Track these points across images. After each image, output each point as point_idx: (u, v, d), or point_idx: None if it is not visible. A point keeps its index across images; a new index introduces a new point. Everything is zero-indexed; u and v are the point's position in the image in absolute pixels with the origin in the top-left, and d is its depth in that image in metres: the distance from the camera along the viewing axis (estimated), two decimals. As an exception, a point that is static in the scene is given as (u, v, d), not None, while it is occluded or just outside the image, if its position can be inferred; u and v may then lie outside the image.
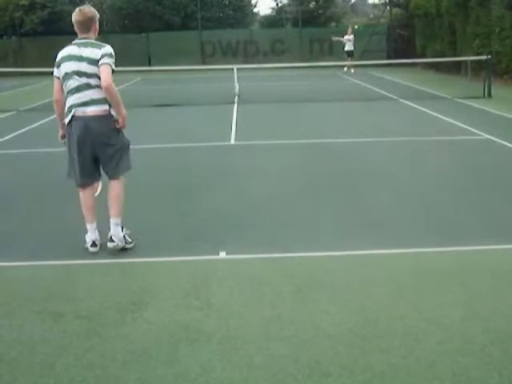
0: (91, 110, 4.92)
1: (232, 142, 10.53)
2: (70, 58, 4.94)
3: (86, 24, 5.01)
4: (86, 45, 4.96)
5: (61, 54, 5.01)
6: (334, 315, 3.88)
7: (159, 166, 8.69)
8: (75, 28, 5.05)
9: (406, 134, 10.69)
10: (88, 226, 5.18)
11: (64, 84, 4.98)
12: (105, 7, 33.13)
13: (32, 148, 10.32)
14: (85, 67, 4.90)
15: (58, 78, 5.01)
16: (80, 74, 4.90)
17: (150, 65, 29.94)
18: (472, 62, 19.53)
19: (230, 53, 32.71)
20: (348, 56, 26.74)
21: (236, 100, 16.25)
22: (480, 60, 17.95)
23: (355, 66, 26.44)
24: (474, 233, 5.52)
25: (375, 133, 10.84)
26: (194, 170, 8.27)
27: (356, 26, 35.25)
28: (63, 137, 5.17)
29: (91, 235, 5.15)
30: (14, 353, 3.52)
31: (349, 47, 26.98)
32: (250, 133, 11.31)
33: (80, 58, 4.91)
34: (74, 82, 4.92)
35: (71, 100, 4.95)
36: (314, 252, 5.07)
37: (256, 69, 23.73)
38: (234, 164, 8.70)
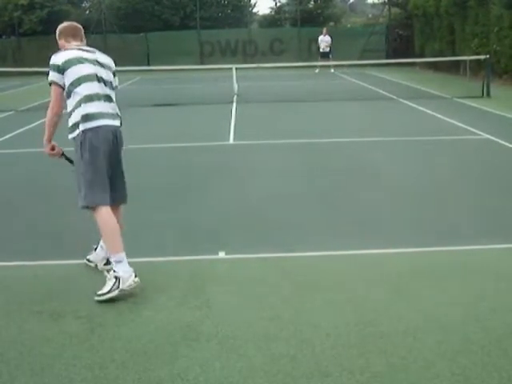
0: (117, 123, 4.44)
1: (231, 141, 10.53)
2: (83, 60, 4.31)
3: (79, 32, 4.53)
4: (92, 51, 4.45)
5: (64, 58, 4.28)
6: (334, 315, 3.88)
7: (158, 166, 8.68)
8: (64, 35, 4.48)
9: (405, 134, 10.70)
10: (122, 256, 4.27)
11: (74, 89, 4.26)
12: (103, 7, 33.12)
13: (31, 148, 10.30)
14: (105, 74, 4.39)
15: (60, 86, 4.28)
16: (101, 80, 4.35)
17: (148, 64, 29.92)
18: (471, 61, 19.54)
19: (229, 52, 32.72)
20: (322, 57, 26.63)
21: (235, 99, 16.24)
22: (479, 59, 17.97)
23: (334, 66, 26.36)
24: (473, 232, 5.52)
25: (374, 132, 10.85)
26: (193, 170, 8.27)
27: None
28: (53, 149, 4.54)
29: (129, 267, 4.27)
30: (13, 353, 3.52)
31: (323, 48, 26.93)
32: (249, 132, 11.31)
33: (96, 63, 4.37)
34: (96, 88, 4.31)
35: (94, 107, 4.27)
36: (313, 252, 5.07)
37: (255, 68, 23.71)
38: (232, 163, 8.70)
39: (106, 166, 4.35)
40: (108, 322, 3.87)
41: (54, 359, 3.43)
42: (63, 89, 4.31)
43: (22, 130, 12.32)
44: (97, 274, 4.68)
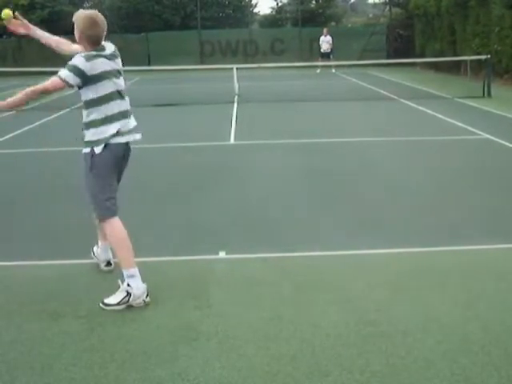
0: (130, 138, 4.34)
1: (232, 141, 10.53)
2: (108, 75, 4.16)
3: (101, 37, 4.19)
4: (112, 57, 4.25)
5: (92, 70, 4.07)
6: (334, 315, 3.88)
7: (158, 166, 8.68)
8: (84, 36, 4.15)
9: (406, 134, 10.70)
10: (136, 270, 4.17)
11: (96, 106, 4.17)
12: (104, 7, 33.12)
13: (31, 148, 10.32)
14: (123, 83, 4.32)
15: (69, 84, 4.09)
16: (121, 94, 4.27)
17: (149, 64, 29.96)
18: (472, 61, 19.54)
19: (230, 52, 32.73)
20: (322, 57, 26.75)
21: (236, 99, 16.24)
22: (480, 59, 17.96)
23: (335, 66, 26.41)
24: (473, 232, 5.52)
25: (374, 132, 10.85)
26: (194, 170, 8.27)
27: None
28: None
29: (142, 283, 4.15)
30: (13, 353, 3.52)
31: (325, 49, 27.01)
32: (250, 132, 11.32)
33: (117, 73, 4.25)
34: (116, 106, 4.21)
35: (112, 127, 4.18)
36: (313, 252, 5.07)
37: (256, 68, 23.72)
38: (233, 163, 8.70)
39: (115, 179, 4.32)
40: (108, 322, 3.87)
41: (54, 359, 3.43)
42: (70, 86, 4.12)
43: (22, 130, 12.33)
44: (97, 273, 4.69)
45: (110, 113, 4.19)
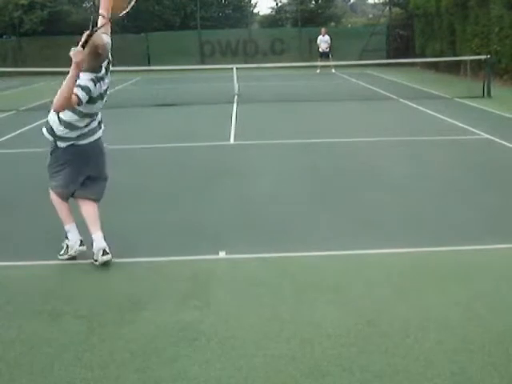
0: (98, 135, 4.91)
1: (231, 141, 10.52)
2: (97, 99, 4.67)
3: (104, 61, 4.68)
4: (106, 75, 4.74)
5: (94, 91, 4.59)
6: (334, 315, 3.88)
7: (158, 166, 8.67)
8: (91, 66, 4.55)
9: (406, 134, 10.70)
10: (70, 226, 4.91)
11: (78, 117, 4.67)
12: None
13: (31, 147, 10.30)
14: (105, 98, 4.81)
15: (80, 99, 4.51)
16: (103, 98, 4.79)
17: (149, 64, 29.91)
18: (471, 61, 19.52)
19: (230, 52, 32.70)
20: (321, 57, 26.77)
21: (235, 100, 16.24)
22: (479, 60, 17.95)
23: (334, 66, 26.39)
24: (473, 232, 5.52)
25: (374, 132, 10.84)
26: (194, 170, 8.27)
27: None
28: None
29: (76, 235, 4.89)
30: (13, 353, 3.52)
31: (324, 48, 27.03)
32: (250, 132, 11.31)
33: (103, 94, 4.75)
34: (95, 117, 4.82)
35: (84, 131, 4.77)
36: (313, 252, 5.07)
37: (255, 68, 23.71)
38: (233, 164, 8.70)
39: (72, 171, 4.86)
40: (108, 322, 3.88)
41: (54, 359, 3.43)
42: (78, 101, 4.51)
43: (22, 129, 12.32)
44: (97, 273, 4.69)
45: (82, 125, 4.72)
